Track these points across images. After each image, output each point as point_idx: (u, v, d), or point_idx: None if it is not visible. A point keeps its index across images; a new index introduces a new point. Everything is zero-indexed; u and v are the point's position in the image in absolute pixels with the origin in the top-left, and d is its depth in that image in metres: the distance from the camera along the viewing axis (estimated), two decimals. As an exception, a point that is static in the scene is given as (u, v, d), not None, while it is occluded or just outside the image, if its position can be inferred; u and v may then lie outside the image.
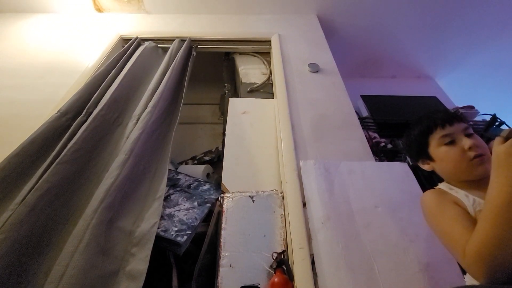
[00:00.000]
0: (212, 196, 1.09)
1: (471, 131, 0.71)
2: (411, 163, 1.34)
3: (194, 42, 1.80)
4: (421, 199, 0.74)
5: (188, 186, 1.14)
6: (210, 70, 2.24)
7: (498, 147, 0.53)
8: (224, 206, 0.96)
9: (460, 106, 1.99)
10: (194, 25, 1.95)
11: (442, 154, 0.71)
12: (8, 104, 1.36)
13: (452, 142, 0.69)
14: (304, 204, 0.92)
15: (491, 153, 0.55)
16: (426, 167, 0.78)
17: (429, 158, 0.75)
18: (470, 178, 0.68)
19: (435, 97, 2.16)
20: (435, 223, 0.68)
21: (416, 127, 0.77)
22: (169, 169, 1.10)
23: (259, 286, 0.77)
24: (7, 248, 0.70)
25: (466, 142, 0.67)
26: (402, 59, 2.47)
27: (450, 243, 0.60)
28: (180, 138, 1.94)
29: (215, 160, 1.74)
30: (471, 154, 0.66)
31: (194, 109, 2.23)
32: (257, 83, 1.59)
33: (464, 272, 0.73)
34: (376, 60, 2.49)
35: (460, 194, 0.67)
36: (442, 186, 0.75)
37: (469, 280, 0.67)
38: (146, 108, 1.21)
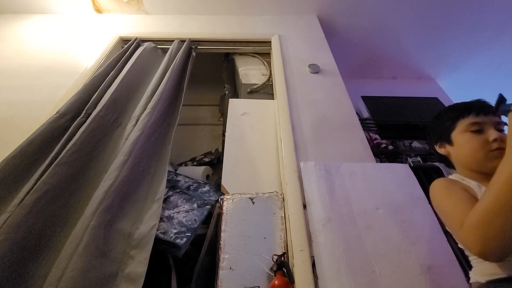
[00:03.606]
0: (212, 198, 1.08)
1: (502, 127, 0.69)
2: (412, 165, 1.33)
3: (194, 42, 1.80)
4: (431, 186, 0.74)
5: (188, 188, 1.13)
6: (210, 71, 2.24)
7: None
8: (224, 208, 0.95)
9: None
10: (193, 25, 1.95)
11: (463, 140, 0.70)
12: (7, 105, 1.35)
13: (479, 131, 0.68)
14: (304, 206, 0.91)
15: None
16: (442, 151, 0.77)
17: (448, 142, 0.74)
18: (483, 170, 0.66)
19: (436, 98, 2.17)
20: (440, 204, 0.68)
21: (451, 111, 0.76)
22: (168, 171, 1.09)
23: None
24: (4, 250, 0.69)
25: (492, 134, 0.66)
26: (403, 60, 2.46)
27: (451, 219, 0.60)
28: (180, 139, 1.94)
29: (215, 162, 1.73)
30: (494, 146, 0.65)
31: (194, 110, 2.22)
32: (257, 84, 1.58)
33: (466, 274, 0.72)
34: (377, 61, 2.48)
35: (472, 184, 0.66)
36: (453, 177, 0.74)
37: (473, 275, 0.66)
38: (145, 109, 1.20)
